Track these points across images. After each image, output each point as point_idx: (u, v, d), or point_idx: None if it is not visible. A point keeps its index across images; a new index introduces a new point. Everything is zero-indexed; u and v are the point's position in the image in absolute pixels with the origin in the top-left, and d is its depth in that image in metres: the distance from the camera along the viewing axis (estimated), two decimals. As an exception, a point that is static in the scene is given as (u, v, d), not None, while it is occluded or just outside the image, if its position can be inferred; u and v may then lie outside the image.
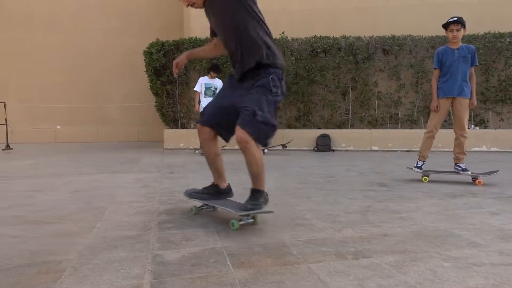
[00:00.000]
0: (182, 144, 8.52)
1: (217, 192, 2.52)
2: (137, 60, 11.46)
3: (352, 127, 8.64)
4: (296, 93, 8.51)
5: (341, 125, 8.64)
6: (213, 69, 6.92)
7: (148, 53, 8.57)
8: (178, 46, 8.56)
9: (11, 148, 8.58)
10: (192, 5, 2.32)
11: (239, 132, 2.09)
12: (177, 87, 8.72)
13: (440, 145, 7.49)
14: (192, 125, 8.88)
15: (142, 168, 4.92)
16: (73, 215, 2.42)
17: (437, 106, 3.84)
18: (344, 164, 5.46)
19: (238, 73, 2.29)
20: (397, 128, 8.55)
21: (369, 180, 3.92)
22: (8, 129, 8.65)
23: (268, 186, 3.51)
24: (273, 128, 2.16)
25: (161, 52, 8.45)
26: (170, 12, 11.84)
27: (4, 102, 8.75)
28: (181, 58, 2.51)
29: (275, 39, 8.51)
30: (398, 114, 8.56)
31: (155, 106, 9.04)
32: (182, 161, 5.87)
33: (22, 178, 4.06)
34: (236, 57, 2.25)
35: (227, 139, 2.36)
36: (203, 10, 2.36)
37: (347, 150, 8.14)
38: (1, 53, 11.09)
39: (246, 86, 2.23)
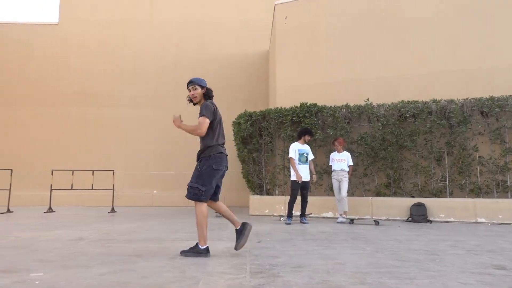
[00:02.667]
0: (267, 211, 8.55)
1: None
2: (226, 129, 12.33)
3: (451, 195, 7.85)
4: (385, 159, 8.16)
5: (437, 193, 7.91)
6: (308, 133, 6.98)
7: (236, 124, 9.15)
8: (265, 116, 9.02)
9: (116, 211, 9.48)
10: (193, 99, 3.71)
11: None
12: (263, 154, 9.02)
13: None
14: (277, 192, 8.93)
15: (230, 236, 4.99)
16: (170, 284, 2.50)
17: None
18: (446, 239, 4.88)
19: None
20: (507, 197, 7.53)
21: (481, 261, 3.41)
22: (114, 193, 9.66)
23: (359, 261, 3.28)
24: (197, 189, 3.47)
25: (249, 122, 8.96)
26: (256, 86, 12.73)
27: (113, 170, 9.91)
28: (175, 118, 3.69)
29: (359, 106, 8.52)
30: (507, 181, 7.59)
31: (242, 172, 9.39)
32: (268, 229, 5.84)
33: (124, 242, 4.40)
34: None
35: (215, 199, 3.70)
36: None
37: (447, 222, 7.33)
38: (113, 128, 12.85)
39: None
